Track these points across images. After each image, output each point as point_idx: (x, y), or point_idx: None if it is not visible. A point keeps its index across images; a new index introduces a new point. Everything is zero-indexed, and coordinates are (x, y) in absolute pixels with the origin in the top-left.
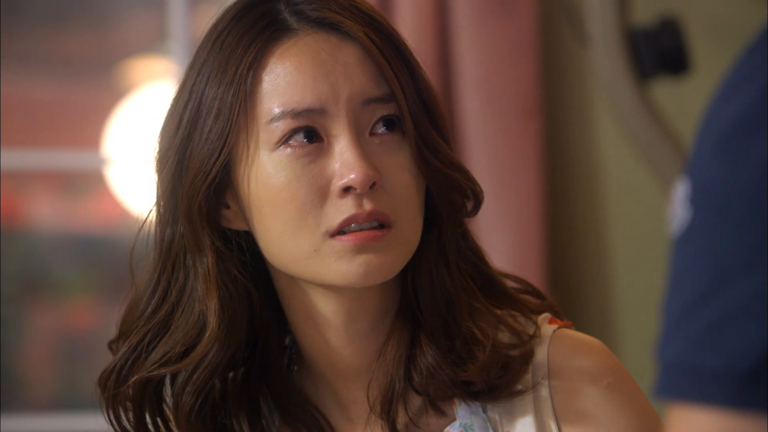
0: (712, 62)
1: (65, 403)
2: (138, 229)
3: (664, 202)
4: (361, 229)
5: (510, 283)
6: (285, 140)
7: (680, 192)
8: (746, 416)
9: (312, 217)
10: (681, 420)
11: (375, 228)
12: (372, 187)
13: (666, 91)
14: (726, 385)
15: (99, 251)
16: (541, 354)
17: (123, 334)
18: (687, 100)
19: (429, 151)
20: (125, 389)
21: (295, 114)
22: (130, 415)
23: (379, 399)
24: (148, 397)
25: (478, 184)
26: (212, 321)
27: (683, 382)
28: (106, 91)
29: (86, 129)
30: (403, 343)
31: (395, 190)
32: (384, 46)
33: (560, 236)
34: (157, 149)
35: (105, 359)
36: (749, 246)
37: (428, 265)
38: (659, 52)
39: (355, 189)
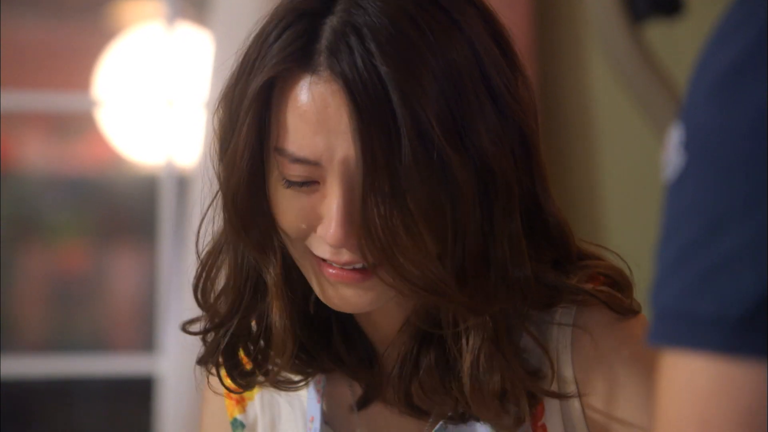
0: (706, 4)
1: (57, 344)
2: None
3: (657, 147)
4: (342, 267)
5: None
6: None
7: (674, 137)
8: (740, 362)
9: (295, 233)
10: (675, 366)
11: (358, 269)
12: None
13: (659, 33)
14: (720, 331)
15: (90, 193)
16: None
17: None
18: (681, 43)
19: (381, 230)
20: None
21: (293, 159)
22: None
23: (395, 372)
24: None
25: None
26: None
27: (677, 328)
28: (95, 32)
29: (76, 70)
30: (415, 339)
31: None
32: (379, 120)
33: (553, 182)
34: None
35: (96, 301)
36: (743, 192)
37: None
38: None
39: None
